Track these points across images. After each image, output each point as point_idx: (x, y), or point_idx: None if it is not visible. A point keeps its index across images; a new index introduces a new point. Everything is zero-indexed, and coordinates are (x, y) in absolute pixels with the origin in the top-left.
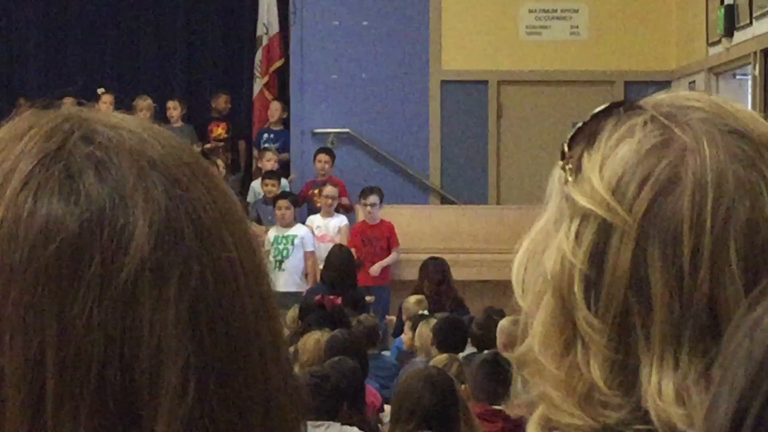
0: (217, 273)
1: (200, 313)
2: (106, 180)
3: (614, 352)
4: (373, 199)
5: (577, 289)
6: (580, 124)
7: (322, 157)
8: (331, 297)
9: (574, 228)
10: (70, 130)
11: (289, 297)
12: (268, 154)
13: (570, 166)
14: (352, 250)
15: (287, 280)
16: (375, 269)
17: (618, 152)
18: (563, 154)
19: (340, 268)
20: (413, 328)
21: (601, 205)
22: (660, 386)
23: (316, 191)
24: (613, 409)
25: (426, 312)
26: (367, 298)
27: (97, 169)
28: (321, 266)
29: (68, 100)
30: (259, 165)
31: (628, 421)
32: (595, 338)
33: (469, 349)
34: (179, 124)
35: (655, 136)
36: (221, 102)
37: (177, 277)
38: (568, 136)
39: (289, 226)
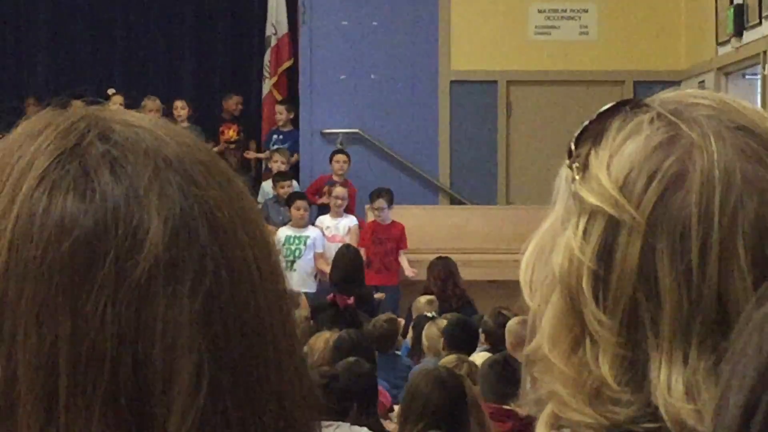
0: (232, 271)
1: (214, 311)
2: (121, 178)
3: (623, 349)
4: (380, 203)
5: (586, 286)
6: (586, 123)
7: (340, 157)
8: (344, 296)
9: (582, 225)
10: (87, 128)
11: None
12: (277, 156)
13: (577, 164)
14: (362, 249)
15: (299, 280)
16: (412, 272)
17: (625, 149)
18: (570, 152)
19: (347, 268)
20: (414, 328)
21: (608, 201)
22: (669, 382)
23: (326, 189)
24: (622, 406)
25: (433, 314)
26: (377, 295)
27: (113, 167)
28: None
29: (77, 103)
30: (270, 166)
31: (637, 418)
32: (603, 335)
33: (480, 348)
34: (186, 124)
35: (662, 132)
36: (232, 104)
37: (191, 275)
38: (575, 135)
39: (303, 226)
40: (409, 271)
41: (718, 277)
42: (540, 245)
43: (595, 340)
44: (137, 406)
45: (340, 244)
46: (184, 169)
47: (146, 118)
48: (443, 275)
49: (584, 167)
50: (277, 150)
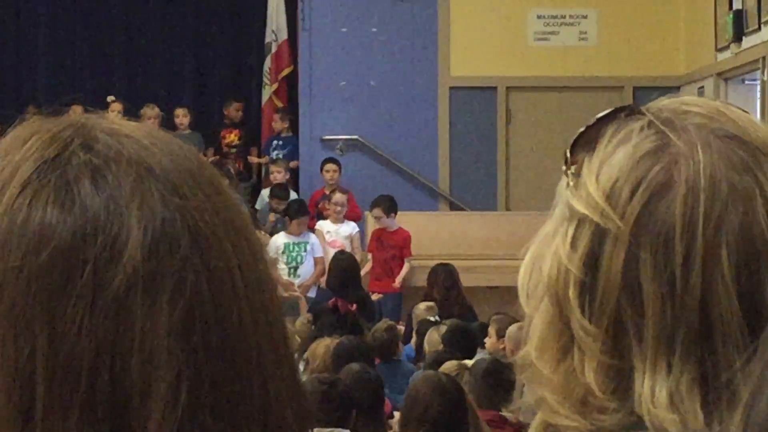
0: (214, 282)
1: (194, 322)
2: (102, 188)
3: (608, 357)
4: (376, 212)
5: (572, 294)
6: (582, 129)
7: (330, 166)
8: (345, 302)
9: (570, 233)
10: (71, 138)
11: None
12: (274, 167)
13: (572, 171)
14: (369, 255)
15: None
16: (398, 281)
17: (614, 157)
18: (566, 159)
19: (342, 274)
20: (419, 333)
21: (595, 210)
22: (653, 391)
23: (327, 205)
24: (608, 414)
25: (436, 318)
26: (374, 296)
27: (94, 177)
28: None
29: (77, 108)
30: (270, 178)
31: (623, 426)
32: (589, 343)
33: (480, 354)
34: (187, 131)
35: (651, 141)
36: (232, 110)
37: (170, 286)
38: (571, 142)
39: (300, 234)
40: (398, 282)
41: (701, 287)
42: (536, 252)
43: (582, 348)
44: (114, 418)
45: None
46: (167, 178)
47: (134, 127)
48: (447, 283)
49: (578, 174)
50: (274, 161)
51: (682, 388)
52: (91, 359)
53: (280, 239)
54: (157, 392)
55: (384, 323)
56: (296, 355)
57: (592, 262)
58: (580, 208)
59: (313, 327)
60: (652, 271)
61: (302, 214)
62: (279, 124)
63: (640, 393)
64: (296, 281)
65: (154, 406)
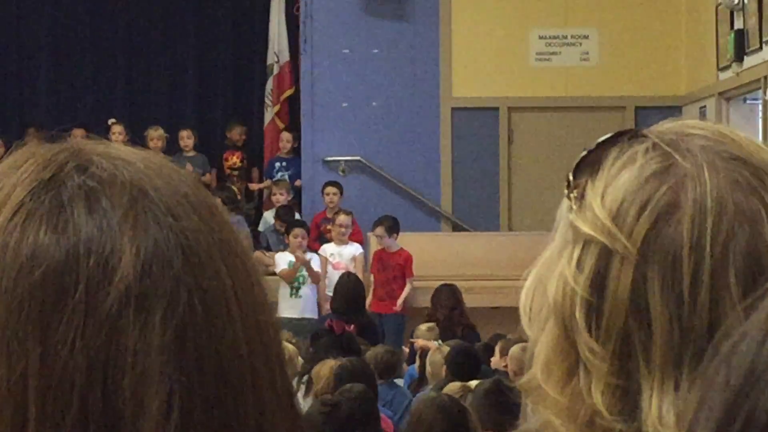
0: (207, 302)
1: (186, 341)
2: (95, 210)
3: (616, 378)
4: (377, 231)
5: (579, 315)
6: (584, 153)
7: (330, 189)
8: (341, 322)
9: (576, 254)
10: (65, 161)
11: (306, 323)
12: (276, 189)
13: (575, 194)
14: (371, 276)
15: (304, 306)
16: (399, 304)
17: (619, 179)
18: (569, 183)
19: (348, 296)
20: (421, 355)
21: (602, 231)
22: (660, 412)
23: (329, 227)
24: None
25: (438, 342)
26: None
27: (88, 198)
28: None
29: (78, 132)
30: (272, 199)
31: None
32: (596, 364)
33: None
34: (192, 153)
35: (656, 162)
36: (236, 133)
37: (163, 305)
38: (573, 165)
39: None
40: (399, 305)
41: (709, 307)
42: (539, 274)
43: (589, 369)
44: None
45: (343, 272)
46: (161, 200)
47: (130, 151)
48: (451, 304)
49: (582, 197)
50: (276, 182)
51: (690, 408)
52: (83, 378)
53: (284, 257)
54: (149, 411)
55: (382, 347)
56: (296, 378)
57: (598, 283)
58: (586, 229)
59: (311, 349)
60: (660, 291)
61: (297, 226)
62: (290, 143)
63: (647, 413)
64: (299, 302)
65: (146, 424)
